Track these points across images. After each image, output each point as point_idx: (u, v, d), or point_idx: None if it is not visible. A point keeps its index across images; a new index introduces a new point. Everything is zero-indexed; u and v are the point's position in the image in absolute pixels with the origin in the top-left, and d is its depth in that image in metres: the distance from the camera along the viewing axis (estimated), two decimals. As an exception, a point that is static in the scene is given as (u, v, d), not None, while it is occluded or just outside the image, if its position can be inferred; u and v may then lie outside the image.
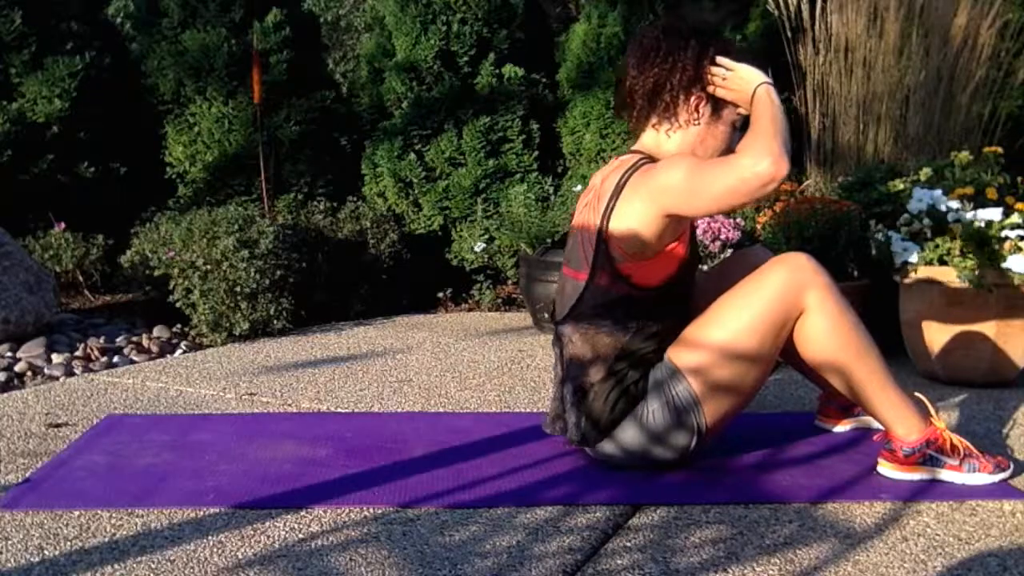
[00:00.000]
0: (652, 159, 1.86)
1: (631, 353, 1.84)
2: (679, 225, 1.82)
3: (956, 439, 1.83)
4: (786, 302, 1.79)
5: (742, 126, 1.91)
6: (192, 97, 4.52)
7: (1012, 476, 1.86)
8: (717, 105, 1.88)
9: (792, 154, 1.77)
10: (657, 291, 1.84)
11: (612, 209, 1.81)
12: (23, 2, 4.31)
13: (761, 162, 1.65)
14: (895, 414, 1.83)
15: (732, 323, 1.79)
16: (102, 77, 4.46)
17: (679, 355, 1.83)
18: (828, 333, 1.79)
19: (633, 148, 1.94)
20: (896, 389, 1.83)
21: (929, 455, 1.82)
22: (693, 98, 1.86)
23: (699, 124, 1.88)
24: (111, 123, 4.51)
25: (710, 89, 1.85)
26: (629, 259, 1.81)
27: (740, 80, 1.82)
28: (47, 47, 4.34)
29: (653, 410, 1.82)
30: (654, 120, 1.90)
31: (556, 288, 1.98)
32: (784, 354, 1.88)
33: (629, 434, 1.84)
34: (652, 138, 1.92)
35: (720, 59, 1.84)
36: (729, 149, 1.90)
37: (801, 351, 1.84)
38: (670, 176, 1.73)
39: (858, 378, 1.81)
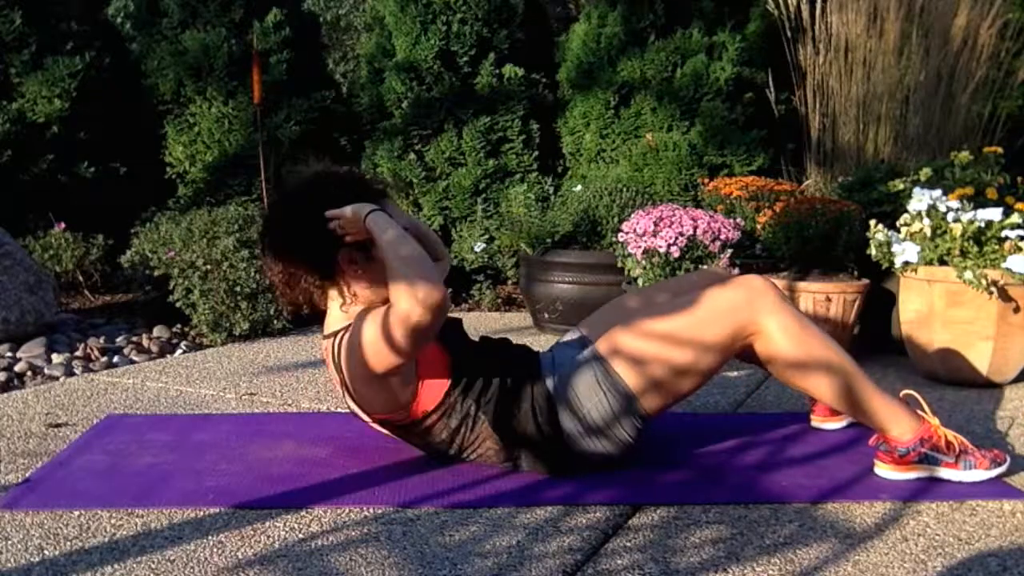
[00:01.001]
0: (341, 331, 1.84)
1: (466, 411, 1.84)
2: (403, 366, 1.77)
3: (951, 435, 1.83)
4: (732, 319, 1.78)
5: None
6: (192, 97, 4.52)
7: (1009, 471, 1.86)
8: (363, 250, 1.82)
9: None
10: (448, 391, 1.83)
11: (351, 397, 1.84)
12: (23, 2, 4.31)
13: (411, 308, 1.64)
14: (886, 416, 1.82)
15: (667, 319, 1.80)
16: (102, 77, 4.46)
17: (602, 341, 1.84)
18: (794, 348, 1.79)
19: (323, 335, 1.91)
20: (879, 392, 1.82)
21: (925, 453, 1.82)
22: (342, 260, 1.82)
23: (359, 275, 1.83)
24: (111, 123, 4.51)
25: (347, 239, 1.80)
26: (399, 408, 1.83)
27: (348, 221, 1.78)
28: (47, 47, 4.34)
29: (577, 396, 1.81)
30: (322, 296, 1.88)
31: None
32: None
33: (575, 440, 1.83)
34: (331, 313, 1.89)
35: (328, 213, 1.79)
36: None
37: (776, 374, 1.85)
38: (360, 342, 1.73)
39: (840, 387, 1.81)
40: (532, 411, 1.82)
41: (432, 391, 1.83)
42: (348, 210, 1.77)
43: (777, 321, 1.78)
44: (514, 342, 2.05)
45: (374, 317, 1.73)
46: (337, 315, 1.87)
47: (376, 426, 1.93)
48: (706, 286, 1.88)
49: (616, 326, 1.87)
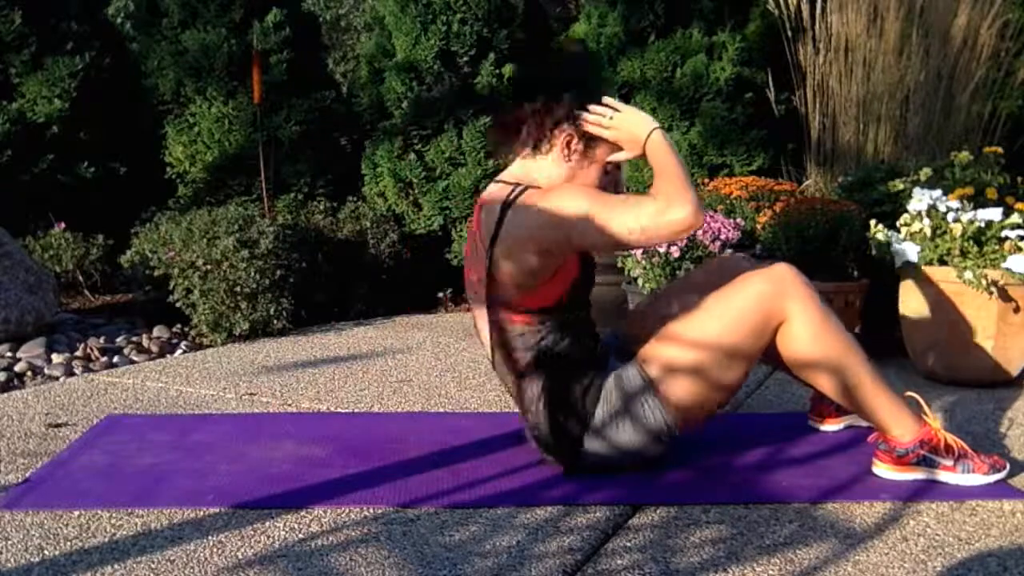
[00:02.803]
0: (525, 187, 1.83)
1: (552, 357, 1.83)
2: (567, 251, 1.79)
3: (951, 439, 1.83)
4: (764, 310, 1.78)
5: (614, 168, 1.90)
6: (192, 97, 4.52)
7: (1010, 476, 1.86)
8: (590, 145, 1.84)
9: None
10: (555, 307, 1.82)
11: (495, 244, 1.79)
12: (23, 2, 4.31)
13: (678, 211, 1.64)
14: (889, 416, 1.82)
15: (708, 329, 1.78)
16: (102, 77, 4.46)
17: (649, 359, 1.82)
18: (813, 341, 1.79)
19: (499, 178, 1.91)
20: (887, 391, 1.83)
21: (924, 455, 1.82)
22: (564, 134, 1.83)
23: (570, 161, 1.85)
24: (111, 123, 4.51)
25: (587, 127, 1.82)
26: (523, 291, 1.80)
27: (628, 122, 1.79)
28: (47, 47, 4.34)
29: (617, 417, 1.81)
30: (526, 151, 1.88)
31: (476, 323, 1.96)
32: (774, 359, 1.88)
33: (596, 445, 1.83)
34: (520, 167, 1.89)
35: (607, 99, 1.82)
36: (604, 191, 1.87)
37: (788, 361, 1.85)
38: (569, 204, 1.71)
39: (848, 383, 1.81)
40: (576, 400, 1.82)
41: (551, 291, 1.81)
42: (630, 111, 1.80)
43: (800, 308, 1.78)
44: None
45: (601, 193, 1.73)
46: (519, 172, 1.88)
47: (477, 304, 1.88)
48: (736, 280, 1.83)
49: (657, 341, 1.83)
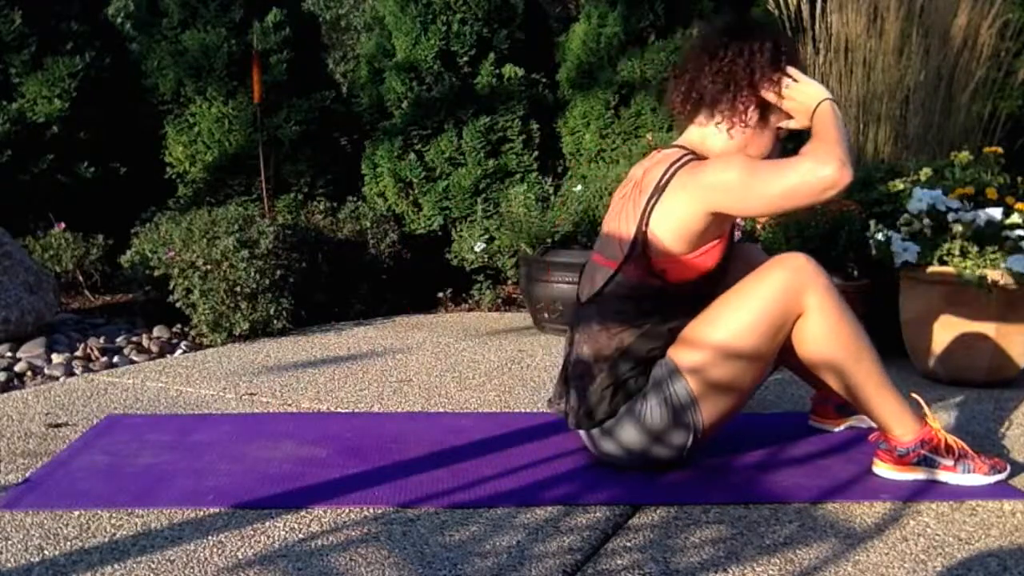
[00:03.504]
0: (696, 156, 1.85)
1: (636, 354, 1.84)
2: (723, 224, 1.81)
3: (952, 439, 1.83)
4: (786, 303, 1.78)
5: (786, 137, 1.91)
6: (192, 97, 4.52)
7: (1010, 476, 1.86)
8: (766, 111, 1.85)
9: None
10: (686, 287, 1.83)
11: (655, 203, 1.79)
12: (23, 2, 4.31)
13: (827, 167, 1.66)
14: (891, 415, 1.83)
15: (732, 323, 1.79)
16: (102, 77, 4.46)
17: (678, 354, 1.83)
18: (827, 334, 1.79)
19: (675, 143, 1.92)
20: (892, 390, 1.83)
21: (924, 455, 1.82)
22: (745, 100, 1.83)
23: (747, 127, 1.85)
24: (111, 123, 4.51)
25: (766, 95, 1.83)
26: (666, 255, 1.80)
27: (803, 93, 1.81)
28: (47, 47, 4.34)
29: (651, 407, 1.82)
30: (701, 117, 1.89)
31: (585, 271, 1.97)
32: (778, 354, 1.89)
33: (628, 432, 1.84)
34: (698, 134, 1.90)
35: (790, 69, 1.83)
36: (770, 158, 1.88)
37: (800, 351, 1.84)
38: (725, 173, 1.73)
39: (856, 379, 1.81)
40: (619, 385, 1.85)
41: (693, 267, 1.81)
42: (807, 82, 1.81)
43: (818, 303, 1.78)
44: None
45: (753, 159, 1.75)
46: (696, 139, 1.90)
47: (606, 267, 1.88)
48: (758, 271, 1.84)
49: (691, 347, 1.84)
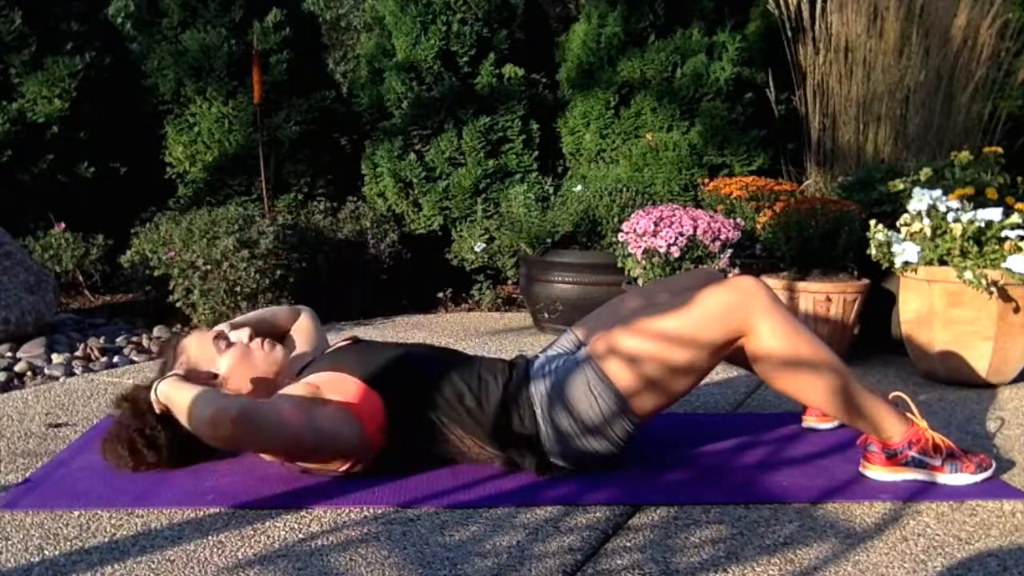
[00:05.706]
0: None
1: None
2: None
3: (938, 438, 1.82)
4: (726, 319, 1.76)
5: None
6: (192, 97, 4.52)
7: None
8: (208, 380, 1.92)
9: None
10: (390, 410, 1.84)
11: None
12: (23, 2, 4.31)
13: (216, 434, 1.71)
14: (875, 419, 1.81)
15: (665, 324, 1.78)
16: (102, 77, 4.46)
17: (606, 358, 1.80)
18: (784, 351, 1.76)
19: None
20: (868, 394, 1.81)
21: (912, 456, 1.81)
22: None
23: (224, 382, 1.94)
24: (111, 123, 4.51)
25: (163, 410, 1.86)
26: (346, 451, 1.82)
27: (160, 403, 1.84)
28: (47, 47, 4.34)
29: (575, 397, 1.81)
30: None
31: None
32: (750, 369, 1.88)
33: (561, 420, 1.82)
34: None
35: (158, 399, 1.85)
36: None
37: (763, 376, 1.83)
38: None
39: (826, 392, 1.78)
40: (524, 413, 1.82)
41: (372, 436, 1.82)
42: (152, 398, 1.85)
43: (768, 323, 1.76)
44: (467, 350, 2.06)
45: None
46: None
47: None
48: (700, 287, 1.86)
49: (609, 328, 1.86)
